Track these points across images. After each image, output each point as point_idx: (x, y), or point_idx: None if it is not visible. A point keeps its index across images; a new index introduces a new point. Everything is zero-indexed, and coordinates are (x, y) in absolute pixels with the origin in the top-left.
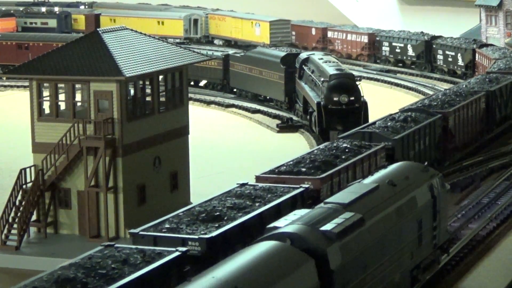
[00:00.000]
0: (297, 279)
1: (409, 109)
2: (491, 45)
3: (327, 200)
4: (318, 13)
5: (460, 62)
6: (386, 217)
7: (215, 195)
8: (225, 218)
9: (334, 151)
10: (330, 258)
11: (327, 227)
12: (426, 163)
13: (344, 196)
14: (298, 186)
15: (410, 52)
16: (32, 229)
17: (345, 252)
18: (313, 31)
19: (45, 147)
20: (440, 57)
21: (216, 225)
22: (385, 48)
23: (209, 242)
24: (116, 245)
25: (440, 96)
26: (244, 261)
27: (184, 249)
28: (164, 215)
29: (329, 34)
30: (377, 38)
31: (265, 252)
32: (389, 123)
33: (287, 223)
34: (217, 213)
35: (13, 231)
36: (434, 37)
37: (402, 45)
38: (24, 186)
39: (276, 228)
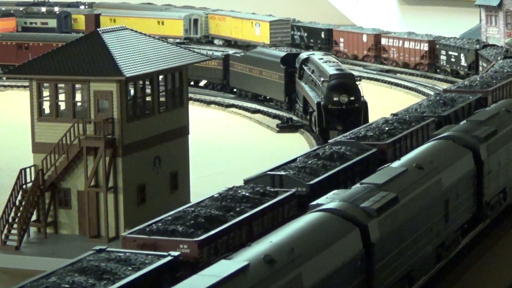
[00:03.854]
0: (345, 245)
1: (339, 142)
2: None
3: (363, 181)
4: (318, 13)
5: (463, 63)
6: (416, 197)
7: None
8: None
9: (229, 200)
10: (370, 232)
11: (367, 204)
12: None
13: (378, 177)
14: (166, 254)
15: (463, 62)
16: (32, 229)
17: (383, 227)
18: (364, 38)
19: (45, 147)
20: (443, 57)
21: None
22: (443, 57)
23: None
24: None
25: (380, 124)
26: (297, 228)
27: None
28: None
29: (383, 41)
30: (437, 46)
31: (316, 221)
32: (309, 161)
33: (329, 201)
34: None
35: (13, 231)
36: (486, 46)
37: (456, 53)
38: (24, 186)
39: (319, 205)
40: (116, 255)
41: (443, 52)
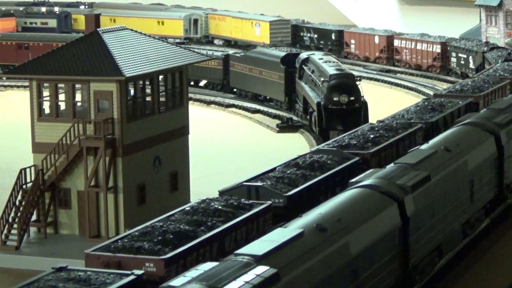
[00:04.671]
0: (384, 218)
1: (320, 151)
2: (503, 48)
3: (396, 161)
4: (318, 13)
5: (471, 65)
6: (445, 176)
7: None
8: None
9: (200, 214)
10: (406, 206)
11: (402, 181)
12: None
13: (410, 158)
14: (129, 272)
15: (471, 64)
16: (32, 229)
17: (417, 202)
18: (376, 39)
19: (45, 147)
20: (453, 59)
21: None
22: (453, 59)
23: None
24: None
25: (365, 131)
26: (341, 202)
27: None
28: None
29: (396, 42)
30: (448, 48)
31: (357, 196)
32: (288, 171)
33: (367, 178)
34: None
35: (13, 231)
36: (493, 48)
37: (465, 56)
38: (24, 186)
39: (358, 181)
40: (76, 274)
41: (454, 54)
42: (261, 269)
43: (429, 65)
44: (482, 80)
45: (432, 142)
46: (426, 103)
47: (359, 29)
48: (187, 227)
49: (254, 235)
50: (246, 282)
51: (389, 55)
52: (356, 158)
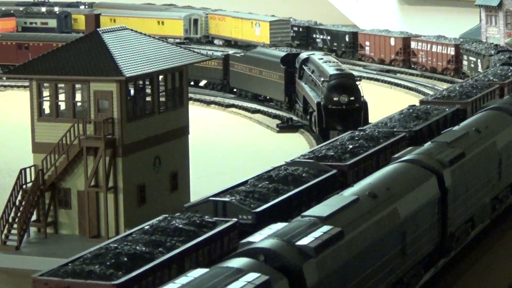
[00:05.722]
0: (426, 188)
1: (296, 162)
2: (509, 51)
3: (433, 139)
4: (318, 13)
5: (480, 69)
6: (477, 154)
7: None
8: None
9: (159, 233)
10: (445, 179)
11: (441, 156)
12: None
13: (446, 137)
14: None
15: (479, 67)
16: (32, 229)
17: (454, 176)
18: (392, 41)
19: (45, 147)
20: (465, 62)
21: None
22: (465, 62)
23: None
24: None
25: (345, 141)
26: (387, 174)
27: None
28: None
29: (413, 44)
30: (461, 51)
31: (401, 169)
32: (260, 184)
33: (407, 154)
34: None
35: (13, 231)
36: (499, 51)
37: (474, 59)
38: (24, 186)
39: (400, 157)
40: None
41: (465, 57)
42: (327, 228)
43: (443, 68)
44: (470, 85)
45: (463, 124)
46: (411, 110)
47: (374, 30)
48: (143, 248)
49: (217, 255)
50: (316, 238)
51: (405, 58)
52: (333, 171)
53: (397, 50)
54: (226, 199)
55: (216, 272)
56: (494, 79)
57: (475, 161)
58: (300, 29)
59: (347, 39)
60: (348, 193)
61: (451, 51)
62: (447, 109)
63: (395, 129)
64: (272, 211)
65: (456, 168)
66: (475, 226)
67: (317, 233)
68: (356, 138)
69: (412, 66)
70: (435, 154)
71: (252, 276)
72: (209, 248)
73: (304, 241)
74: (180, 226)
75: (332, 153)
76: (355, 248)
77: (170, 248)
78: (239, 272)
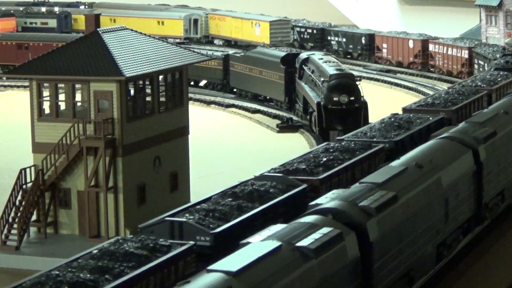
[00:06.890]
0: (463, 161)
1: (264, 177)
2: (508, 55)
3: (467, 120)
4: (318, 13)
5: None
6: (506, 133)
7: None
8: None
9: (107, 259)
10: (480, 154)
11: (476, 134)
12: None
13: (478, 117)
14: None
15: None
16: (32, 229)
17: (488, 152)
18: (411, 44)
19: (45, 147)
20: (476, 66)
21: None
22: (476, 66)
23: None
24: None
25: (319, 153)
26: (428, 148)
27: None
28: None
29: (431, 47)
30: (473, 54)
31: (441, 144)
32: (223, 202)
33: (444, 132)
34: None
35: (13, 231)
36: (505, 55)
37: (482, 63)
38: (24, 186)
39: (438, 134)
40: None
41: (476, 60)
42: (383, 192)
43: (458, 71)
44: (457, 91)
45: (491, 107)
46: (392, 119)
47: (392, 32)
48: (88, 275)
49: (172, 281)
50: (375, 200)
51: (424, 60)
52: (303, 186)
53: (415, 52)
54: (183, 219)
55: (294, 226)
56: (482, 85)
57: (505, 139)
58: (315, 31)
59: (363, 41)
60: (397, 164)
61: (465, 54)
62: (430, 118)
63: (374, 139)
64: (232, 231)
65: (489, 145)
66: (504, 199)
67: (376, 196)
68: (331, 150)
69: (431, 69)
70: (471, 132)
71: (326, 229)
72: (162, 274)
73: (366, 202)
74: (131, 250)
75: (304, 167)
76: (407, 211)
77: (117, 275)
78: (314, 227)
